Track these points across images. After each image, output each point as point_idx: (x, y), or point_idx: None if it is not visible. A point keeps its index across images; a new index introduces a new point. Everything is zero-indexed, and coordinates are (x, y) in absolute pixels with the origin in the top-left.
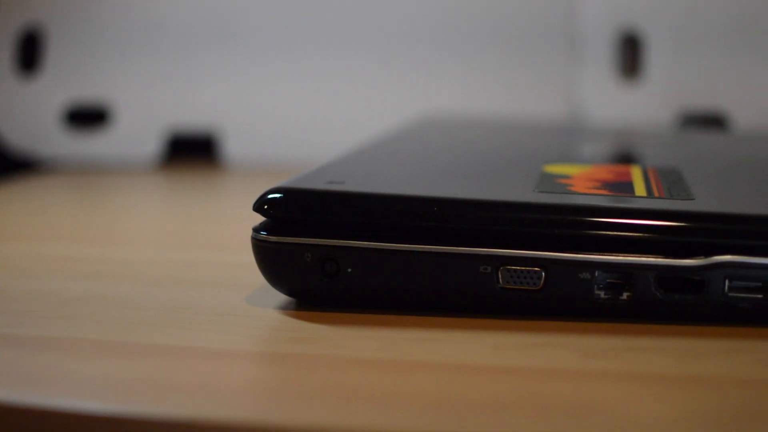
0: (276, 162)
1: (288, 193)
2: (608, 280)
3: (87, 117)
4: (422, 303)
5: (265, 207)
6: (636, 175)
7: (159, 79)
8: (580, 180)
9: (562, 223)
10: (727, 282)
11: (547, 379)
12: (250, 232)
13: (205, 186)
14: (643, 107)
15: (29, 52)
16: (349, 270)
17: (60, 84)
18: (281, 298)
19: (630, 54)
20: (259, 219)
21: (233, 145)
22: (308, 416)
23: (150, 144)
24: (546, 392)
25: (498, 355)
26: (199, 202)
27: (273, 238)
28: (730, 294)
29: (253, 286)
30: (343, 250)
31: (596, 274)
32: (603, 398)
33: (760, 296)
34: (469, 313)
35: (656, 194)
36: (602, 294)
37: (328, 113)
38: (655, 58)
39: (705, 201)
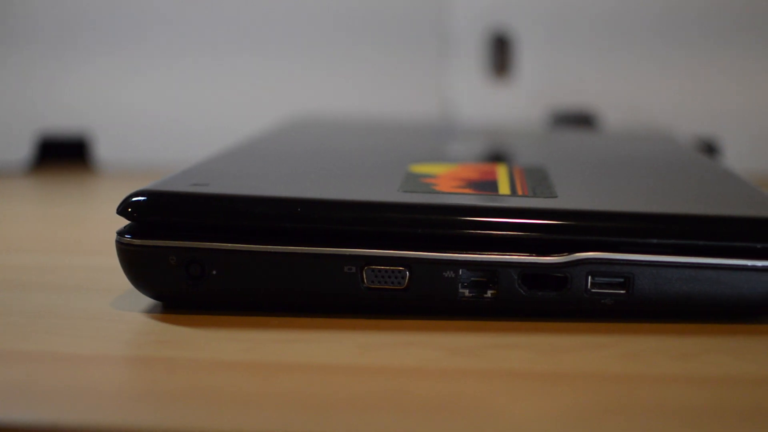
0: (149, 165)
1: (151, 195)
2: (472, 279)
3: None
4: (288, 304)
5: (129, 210)
6: (501, 173)
7: (28, 81)
8: (445, 179)
9: (425, 222)
10: (589, 278)
11: (412, 377)
12: None
13: (76, 190)
14: (513, 106)
15: None
16: (214, 272)
17: None
18: (147, 301)
19: (500, 53)
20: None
21: (105, 149)
22: (173, 419)
23: (20, 148)
24: (411, 391)
25: (364, 355)
26: (68, 206)
27: (137, 242)
28: (593, 290)
29: (120, 289)
30: (208, 252)
31: (460, 272)
32: (467, 396)
33: (622, 292)
34: (335, 313)
35: (520, 192)
36: (467, 292)
37: (202, 115)
38: (526, 57)
39: (568, 199)
